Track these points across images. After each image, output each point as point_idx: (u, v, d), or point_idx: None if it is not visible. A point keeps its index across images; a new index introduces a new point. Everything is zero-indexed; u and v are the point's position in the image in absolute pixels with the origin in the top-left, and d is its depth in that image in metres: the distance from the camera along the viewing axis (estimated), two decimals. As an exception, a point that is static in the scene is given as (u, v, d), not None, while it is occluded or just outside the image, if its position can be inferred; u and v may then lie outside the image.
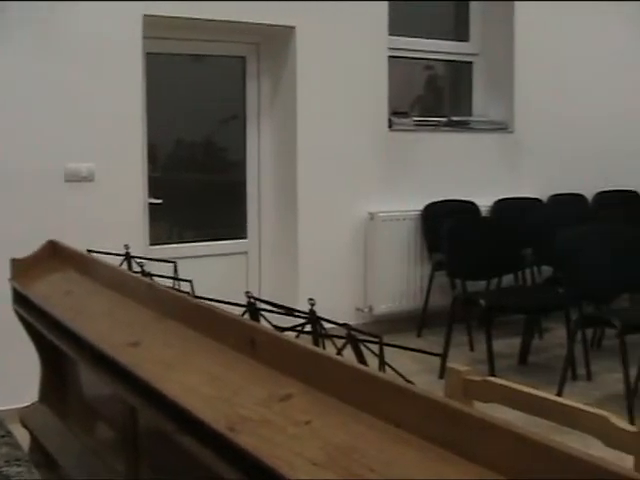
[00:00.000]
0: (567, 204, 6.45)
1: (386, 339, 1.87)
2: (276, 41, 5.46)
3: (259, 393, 1.47)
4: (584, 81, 6.73)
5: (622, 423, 1.55)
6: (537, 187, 6.45)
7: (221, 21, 5.04)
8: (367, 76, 5.68)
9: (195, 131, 5.57)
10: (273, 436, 1.30)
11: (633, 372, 4.39)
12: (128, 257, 2.89)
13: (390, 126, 5.86)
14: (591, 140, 6.78)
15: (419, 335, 5.78)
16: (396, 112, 6.00)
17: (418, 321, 5.79)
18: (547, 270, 5.76)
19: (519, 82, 6.40)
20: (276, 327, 1.88)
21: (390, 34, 5.82)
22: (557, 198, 6.50)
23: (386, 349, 1.83)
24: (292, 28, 5.34)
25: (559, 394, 4.34)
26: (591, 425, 1.59)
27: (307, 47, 5.39)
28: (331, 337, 1.92)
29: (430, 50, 6.40)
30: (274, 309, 2.08)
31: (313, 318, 1.94)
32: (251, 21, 5.14)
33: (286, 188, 5.53)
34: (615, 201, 6.62)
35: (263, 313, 2.11)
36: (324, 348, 1.88)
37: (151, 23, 4.72)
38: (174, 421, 1.51)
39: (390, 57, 5.84)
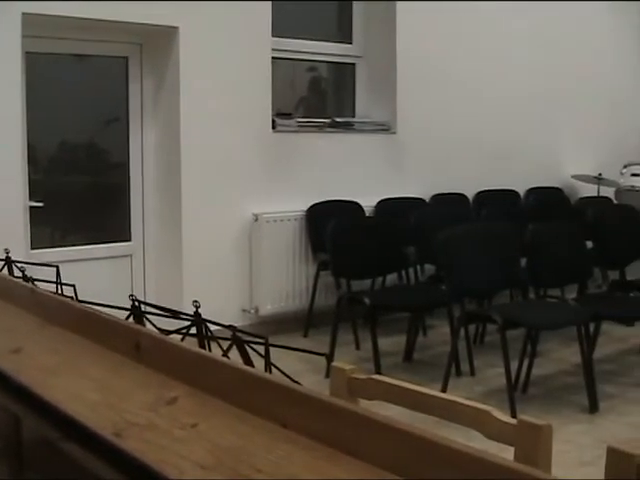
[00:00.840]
0: (449, 204, 6.60)
1: (272, 340, 1.88)
2: (159, 41, 5.40)
3: (145, 397, 1.46)
4: (465, 82, 6.90)
5: (503, 416, 1.59)
6: (420, 187, 6.57)
7: (103, 20, 4.95)
8: (251, 77, 5.68)
9: (78, 132, 5.45)
10: (160, 440, 1.29)
11: (514, 366, 4.54)
12: (8, 262, 2.81)
13: (274, 127, 5.87)
14: (472, 141, 6.95)
15: (305, 335, 5.81)
16: (280, 113, 6.02)
17: (304, 321, 5.82)
18: (430, 268, 5.88)
19: (401, 84, 6.51)
20: (161, 330, 1.87)
21: (274, 35, 5.83)
22: (439, 198, 6.65)
23: (272, 350, 1.85)
24: (175, 29, 5.29)
25: (443, 390, 4.44)
26: (473, 419, 1.63)
27: (190, 48, 5.35)
28: (217, 339, 1.92)
29: (313, 52, 6.44)
30: (159, 312, 2.06)
31: (198, 320, 1.93)
32: (133, 21, 5.07)
33: (170, 190, 5.48)
34: (495, 200, 6.82)
35: (148, 316, 2.09)
36: (210, 350, 1.88)
37: (31, 22, 4.59)
38: (59, 428, 1.48)
39: (274, 58, 5.85)
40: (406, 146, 6.57)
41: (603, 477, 1.32)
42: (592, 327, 4.73)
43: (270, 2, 5.73)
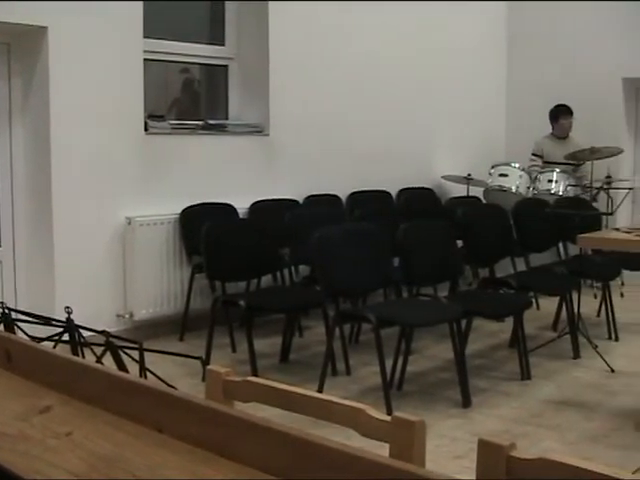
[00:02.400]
0: (322, 205, 6.67)
1: (148, 344, 1.87)
2: (27, 41, 5.24)
3: (17, 407, 1.42)
4: (338, 84, 6.98)
5: (377, 413, 1.61)
6: (293, 188, 6.62)
7: (-35, 18, 4.79)
8: (122, 78, 5.59)
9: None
10: (32, 450, 1.26)
11: (389, 364, 4.62)
12: None
13: (146, 129, 5.80)
14: (345, 143, 7.05)
15: (181, 339, 5.76)
16: (152, 115, 5.95)
17: (180, 325, 5.78)
18: (305, 269, 5.93)
19: (274, 85, 6.54)
20: (32, 338, 1.82)
21: (146, 36, 5.76)
22: (312, 199, 6.71)
23: (148, 354, 1.83)
24: (44, 28, 5.15)
25: (320, 390, 4.48)
26: (348, 417, 1.65)
27: (60, 48, 5.22)
28: (90, 345, 1.89)
29: (186, 53, 6.39)
30: (30, 319, 2.01)
31: (70, 326, 1.89)
32: (0, 20, 4.91)
33: (40, 193, 5.33)
34: (368, 201, 6.94)
35: (19, 324, 2.03)
36: (83, 357, 1.85)
37: None
38: None
39: (146, 60, 5.78)
40: (279, 148, 6.60)
41: (475, 469, 1.37)
42: (464, 323, 4.87)
43: (141, 3, 5.65)
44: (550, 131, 7.94)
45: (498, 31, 8.67)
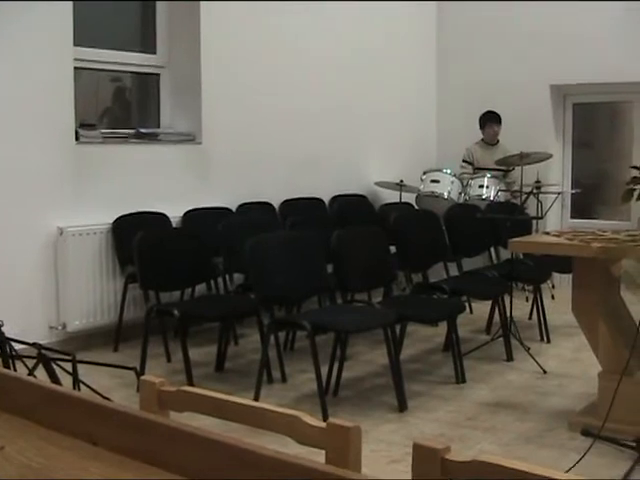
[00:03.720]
0: (255, 212, 6.66)
1: (82, 356, 1.85)
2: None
3: (-55, 423, 1.39)
4: (270, 92, 6.99)
5: (312, 420, 1.61)
6: (226, 197, 6.60)
7: None
8: (52, 87, 5.51)
9: None
10: (-38, 467, 1.24)
11: (325, 371, 4.64)
12: None
13: (77, 138, 5.73)
14: (277, 150, 7.06)
15: (116, 350, 5.70)
16: (83, 124, 5.88)
17: (114, 335, 5.71)
18: (239, 277, 5.92)
19: (206, 93, 6.51)
20: (-39, 352, 1.79)
21: (76, 45, 5.69)
22: (245, 207, 6.69)
23: (82, 366, 1.82)
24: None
25: (256, 398, 4.48)
26: (284, 425, 1.65)
27: (-15, 56, 5.13)
28: (22, 358, 1.86)
29: (117, 62, 6.33)
30: (-42, 333, 1.98)
31: (1, 339, 1.87)
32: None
33: (-33, 204, 5.23)
34: (301, 208, 6.96)
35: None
36: (15, 370, 1.82)
37: None
38: None
39: (76, 68, 5.71)
40: (212, 156, 6.58)
41: (411, 472, 1.38)
42: (398, 329, 4.90)
43: (71, 11, 5.57)
44: (480, 137, 8.07)
45: (428, 34, 8.76)
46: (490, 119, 7.96)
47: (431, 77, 8.88)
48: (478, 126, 8.01)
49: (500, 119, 7.93)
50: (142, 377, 1.76)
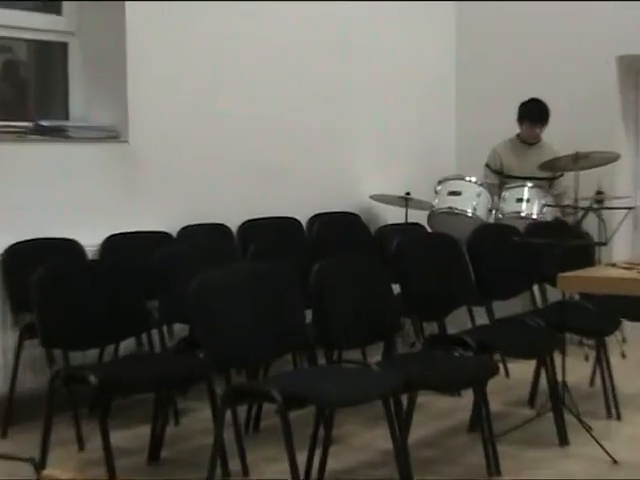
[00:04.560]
0: (204, 238, 6.66)
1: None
2: None
3: None
4: (226, 76, 7.03)
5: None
6: (163, 217, 6.59)
7: None
8: None
9: None
10: None
11: (301, 459, 4.61)
12: None
13: (-50, 134, 5.73)
14: (235, 157, 7.10)
15: (4, 434, 5.66)
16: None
17: (3, 413, 5.68)
18: (182, 329, 5.89)
19: (134, 74, 6.51)
20: None
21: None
22: (191, 231, 6.69)
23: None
24: None
25: (205, 499, 4.45)
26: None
27: None
28: None
29: (6, 24, 6.28)
30: None
31: None
32: None
33: None
34: (267, 231, 6.98)
35: None
36: None
37: None
38: None
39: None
40: (143, 160, 6.58)
41: None
42: (404, 400, 4.89)
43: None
44: (516, 133, 8.10)
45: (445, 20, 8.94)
46: (532, 114, 7.96)
47: (449, 58, 8.97)
48: (516, 117, 8.04)
49: (547, 115, 7.93)
50: (44, 472, 1.75)
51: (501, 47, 8.71)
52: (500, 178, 8.01)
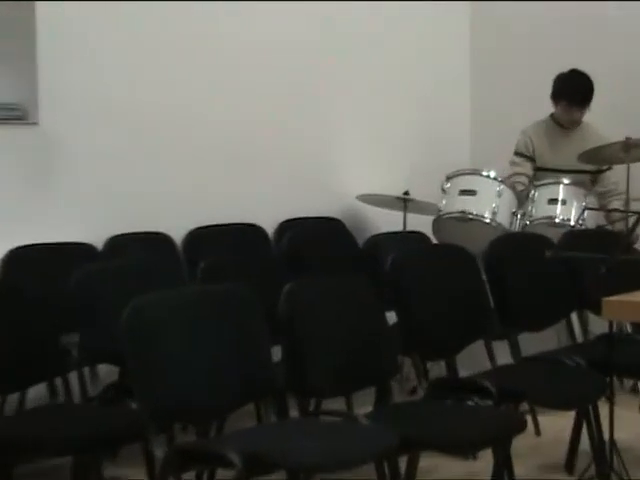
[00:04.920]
0: (138, 251, 6.65)
1: None
2: None
3: None
4: (170, 43, 7.09)
5: None
6: (85, 223, 6.59)
7: None
8: None
9: None
10: None
11: None
12: None
13: None
14: (179, 142, 7.12)
15: None
16: None
17: None
18: (109, 371, 5.89)
19: (45, 38, 6.52)
20: None
21: None
22: (120, 242, 6.69)
23: None
24: None
25: None
26: None
27: None
28: None
29: None
30: None
31: None
32: None
33: None
34: (222, 242, 6.98)
35: None
36: None
37: None
38: None
39: None
40: (57, 148, 6.58)
41: None
42: (402, 462, 4.89)
43: None
44: (549, 113, 8.12)
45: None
46: (572, 92, 7.96)
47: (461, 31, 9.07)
48: (551, 95, 8.06)
49: (591, 94, 7.93)
50: None
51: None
52: (532, 169, 8.00)
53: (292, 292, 5.11)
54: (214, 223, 7.12)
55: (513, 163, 8.04)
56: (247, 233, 7.31)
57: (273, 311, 5.05)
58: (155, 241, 6.83)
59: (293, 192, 7.67)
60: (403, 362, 5.85)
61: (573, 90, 7.93)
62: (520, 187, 7.72)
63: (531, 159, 8.04)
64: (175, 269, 6.38)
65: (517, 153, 8.08)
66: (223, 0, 7.33)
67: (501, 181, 7.65)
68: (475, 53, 9.13)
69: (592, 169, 7.84)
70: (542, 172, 7.95)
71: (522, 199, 7.62)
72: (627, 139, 6.98)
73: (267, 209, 7.45)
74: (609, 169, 7.83)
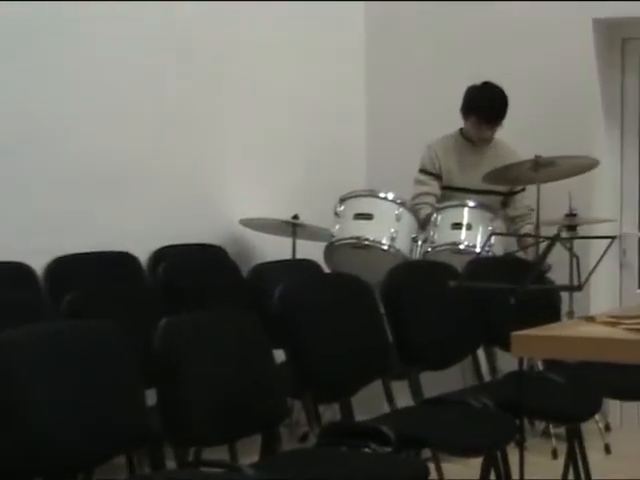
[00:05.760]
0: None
1: None
2: None
3: None
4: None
5: None
6: None
7: None
8: None
9: None
10: None
11: None
12: None
13: None
14: (24, 159, 7.04)
15: None
16: None
17: None
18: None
19: None
20: None
21: None
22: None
23: None
24: None
25: None
26: None
27: None
28: None
29: None
30: None
31: None
32: None
33: None
34: (87, 273, 6.93)
35: None
36: None
37: None
38: None
39: None
40: None
41: None
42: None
43: None
44: (458, 128, 8.15)
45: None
46: (484, 108, 8.01)
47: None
48: (461, 109, 8.10)
49: (504, 110, 8.01)
50: None
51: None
52: (439, 188, 8.02)
53: (168, 328, 5.08)
54: (80, 251, 7.06)
55: (418, 182, 8.06)
56: (118, 262, 7.25)
57: (147, 349, 5.02)
58: (12, 272, 6.76)
59: (169, 217, 7.62)
60: (293, 405, 5.84)
61: (484, 106, 7.96)
62: (427, 210, 7.73)
63: (438, 177, 8.05)
64: (36, 303, 6.32)
65: (422, 170, 8.10)
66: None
67: (400, 203, 7.66)
68: (371, 61, 9.10)
69: (504, 190, 7.89)
70: (450, 192, 7.98)
71: (429, 223, 7.63)
72: (537, 157, 7.03)
73: (140, 235, 7.39)
74: (522, 190, 7.88)
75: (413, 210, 7.71)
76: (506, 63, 8.32)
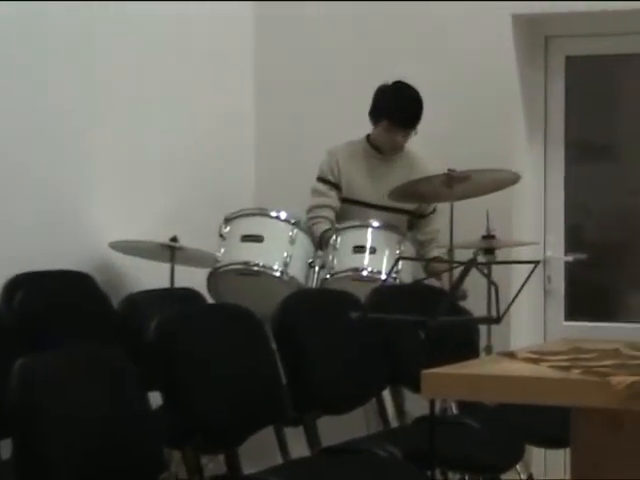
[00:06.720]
0: None
1: None
2: None
3: None
4: None
5: None
6: None
7: None
8: None
9: None
10: None
11: None
12: None
13: None
14: None
15: None
16: None
17: None
18: None
19: None
20: None
21: None
22: None
23: None
24: None
25: None
26: None
27: None
28: None
29: None
30: None
31: None
32: None
33: None
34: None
35: None
36: None
37: None
38: None
39: None
40: None
41: None
42: None
43: None
44: (365, 134, 8.14)
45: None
46: (397, 111, 7.99)
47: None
48: (370, 112, 8.09)
49: (419, 113, 8.01)
50: None
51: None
52: (339, 199, 7.99)
53: (25, 369, 4.98)
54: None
55: (315, 191, 8.03)
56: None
57: (3, 396, 4.93)
58: None
59: (27, 239, 7.53)
60: (171, 456, 5.77)
61: (397, 107, 7.95)
62: (324, 225, 7.71)
63: (337, 187, 8.01)
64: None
65: (320, 179, 8.07)
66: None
67: (294, 223, 7.63)
68: (261, 61, 9.12)
69: (411, 209, 7.87)
70: (348, 205, 7.94)
71: (327, 243, 7.59)
72: (450, 171, 7.04)
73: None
74: (432, 213, 7.87)
75: (309, 229, 7.66)
76: (415, 65, 8.33)
